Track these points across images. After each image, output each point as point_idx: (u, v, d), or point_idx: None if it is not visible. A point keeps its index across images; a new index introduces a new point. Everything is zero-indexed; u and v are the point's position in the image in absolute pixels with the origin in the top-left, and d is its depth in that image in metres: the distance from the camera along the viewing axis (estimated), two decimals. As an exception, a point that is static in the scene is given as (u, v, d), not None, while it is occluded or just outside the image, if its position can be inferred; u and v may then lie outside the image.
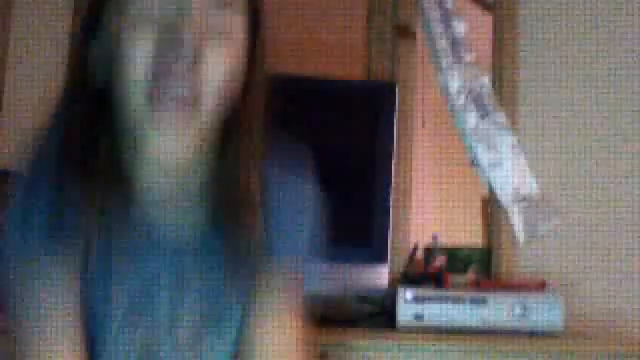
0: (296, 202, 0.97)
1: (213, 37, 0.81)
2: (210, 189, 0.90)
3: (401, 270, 1.82)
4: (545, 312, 1.61)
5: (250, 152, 0.88)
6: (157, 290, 0.90)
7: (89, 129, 0.85)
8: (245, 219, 0.88)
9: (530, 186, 1.93)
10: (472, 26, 1.98)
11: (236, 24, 0.85)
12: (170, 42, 0.78)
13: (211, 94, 0.80)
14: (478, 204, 2.14)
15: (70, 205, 0.83)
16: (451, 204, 2.14)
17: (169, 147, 0.80)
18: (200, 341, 0.92)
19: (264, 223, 0.89)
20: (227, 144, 0.87)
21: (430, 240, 1.93)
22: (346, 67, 2.06)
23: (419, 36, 2.00)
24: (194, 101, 0.79)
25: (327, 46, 2.22)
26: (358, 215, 1.77)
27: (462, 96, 1.93)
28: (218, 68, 0.81)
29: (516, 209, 1.91)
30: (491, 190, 1.93)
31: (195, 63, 0.78)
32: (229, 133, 0.87)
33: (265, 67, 0.90)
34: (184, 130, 0.80)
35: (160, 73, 0.78)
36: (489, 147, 1.91)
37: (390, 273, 1.78)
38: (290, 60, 2.21)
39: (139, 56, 0.78)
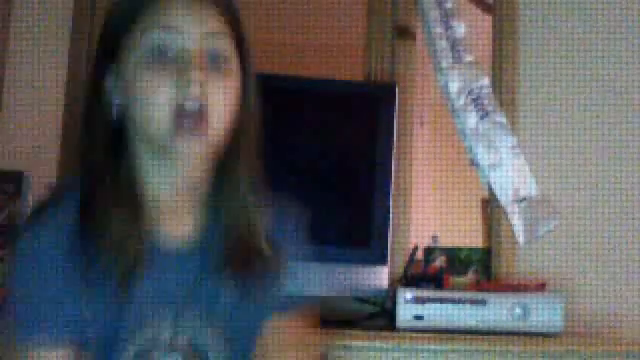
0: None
1: (213, 67, 1.00)
2: (210, 200, 1.07)
3: (401, 271, 1.82)
4: (545, 312, 1.62)
5: (247, 169, 1.07)
6: (162, 305, 1.02)
7: (107, 157, 1.02)
8: (243, 225, 1.05)
9: (530, 186, 1.93)
10: (472, 26, 1.98)
11: (229, 51, 1.03)
12: (182, 81, 0.96)
13: (217, 117, 0.99)
14: (478, 204, 2.14)
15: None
16: (451, 204, 2.14)
17: (191, 150, 0.98)
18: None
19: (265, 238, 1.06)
20: (228, 162, 1.06)
21: (430, 240, 1.93)
22: (346, 67, 2.06)
23: (419, 36, 2.00)
24: (205, 117, 0.97)
25: (327, 47, 2.22)
26: (358, 216, 1.77)
27: (462, 96, 1.92)
28: (219, 97, 0.99)
29: (516, 209, 1.91)
30: (491, 190, 1.93)
31: (203, 87, 0.97)
32: (229, 156, 1.06)
33: (254, 98, 1.08)
34: (198, 144, 0.98)
35: (179, 96, 0.97)
36: (489, 147, 1.91)
37: (390, 274, 1.78)
38: (290, 60, 2.21)
39: (159, 94, 0.97)
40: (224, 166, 1.05)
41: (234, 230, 1.05)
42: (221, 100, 0.99)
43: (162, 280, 1.01)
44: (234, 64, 1.03)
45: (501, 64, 1.99)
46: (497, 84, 1.97)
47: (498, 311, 1.61)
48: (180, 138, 0.97)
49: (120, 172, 1.01)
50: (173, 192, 1.04)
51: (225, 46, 1.01)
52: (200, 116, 0.97)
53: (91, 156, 1.02)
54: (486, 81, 1.94)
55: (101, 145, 1.02)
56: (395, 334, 1.57)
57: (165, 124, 0.96)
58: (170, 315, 1.02)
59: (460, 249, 1.91)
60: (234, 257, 1.04)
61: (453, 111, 1.94)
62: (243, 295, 1.04)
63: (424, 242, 1.92)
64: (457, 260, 1.90)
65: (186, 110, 0.96)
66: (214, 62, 0.99)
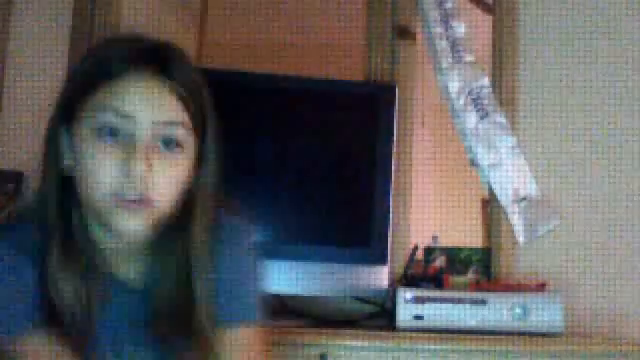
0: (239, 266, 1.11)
1: (164, 151, 0.99)
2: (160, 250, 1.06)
3: (401, 270, 1.82)
4: (545, 312, 1.62)
5: (198, 231, 1.04)
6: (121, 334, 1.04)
7: (62, 206, 1.02)
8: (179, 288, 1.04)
9: (530, 186, 1.93)
10: (472, 26, 1.98)
11: (184, 136, 1.00)
12: (126, 170, 0.96)
13: (162, 196, 0.98)
14: (478, 204, 2.14)
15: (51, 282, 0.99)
16: (451, 204, 2.14)
17: (128, 231, 0.98)
18: None
19: (209, 289, 1.04)
20: (181, 220, 1.04)
21: (430, 240, 1.93)
22: (346, 67, 2.06)
23: (419, 36, 2.00)
24: (147, 202, 0.97)
25: (327, 46, 2.22)
26: (358, 216, 1.77)
27: (462, 97, 1.93)
28: (166, 179, 0.98)
29: (516, 209, 1.91)
30: (491, 190, 1.93)
31: (146, 177, 0.96)
32: (181, 215, 1.03)
33: (213, 167, 1.06)
34: (140, 221, 0.98)
35: (120, 183, 0.96)
36: (489, 147, 1.92)
37: (390, 273, 1.78)
38: (290, 60, 2.22)
39: (103, 172, 0.96)
40: (175, 222, 1.04)
41: (168, 290, 1.04)
42: (165, 184, 0.98)
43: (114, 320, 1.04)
44: (189, 146, 1.02)
45: (501, 64, 1.99)
46: (497, 84, 1.97)
47: (498, 311, 1.61)
48: (120, 218, 0.96)
49: (72, 221, 1.02)
50: (119, 246, 1.04)
51: (178, 133, 1.00)
52: (141, 203, 0.96)
53: (45, 203, 1.02)
54: (486, 81, 1.95)
55: (54, 193, 1.02)
56: (395, 334, 1.57)
57: (105, 203, 0.96)
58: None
59: (460, 249, 1.91)
60: (161, 318, 1.04)
61: (453, 111, 1.94)
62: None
63: (424, 242, 1.92)
64: (457, 260, 1.90)
65: (126, 198, 0.96)
66: (166, 145, 0.99)
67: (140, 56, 0.99)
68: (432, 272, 1.81)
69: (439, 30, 1.95)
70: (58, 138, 1.03)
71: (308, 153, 1.80)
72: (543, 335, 1.60)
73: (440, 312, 1.60)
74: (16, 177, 1.85)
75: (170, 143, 0.99)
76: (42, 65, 1.96)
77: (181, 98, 1.00)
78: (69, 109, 1.01)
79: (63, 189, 1.02)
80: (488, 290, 1.67)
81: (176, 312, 1.03)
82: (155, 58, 1.00)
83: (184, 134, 1.00)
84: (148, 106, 0.98)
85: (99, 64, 1.00)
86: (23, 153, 1.89)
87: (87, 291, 1.00)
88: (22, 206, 1.09)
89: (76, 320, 0.99)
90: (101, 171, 0.96)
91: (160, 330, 1.03)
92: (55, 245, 1.00)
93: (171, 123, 0.99)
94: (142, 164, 0.95)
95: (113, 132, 0.97)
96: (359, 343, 1.49)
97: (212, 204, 1.06)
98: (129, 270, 1.06)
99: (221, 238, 1.08)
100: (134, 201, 0.96)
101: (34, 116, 1.93)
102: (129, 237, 1.00)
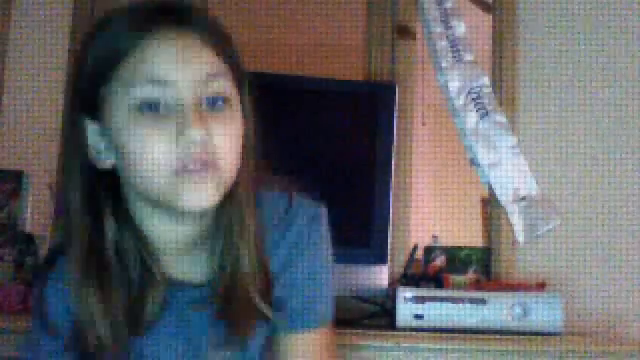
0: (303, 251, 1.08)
1: (214, 111, 0.90)
2: (214, 236, 0.98)
3: (401, 270, 1.82)
4: (545, 312, 1.61)
5: (244, 202, 0.97)
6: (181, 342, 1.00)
7: (94, 209, 0.94)
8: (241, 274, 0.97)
9: (530, 186, 1.93)
10: (472, 26, 1.98)
11: (229, 90, 0.93)
12: (181, 139, 0.87)
13: (227, 158, 0.90)
14: (478, 204, 2.14)
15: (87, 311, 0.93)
16: (451, 204, 2.14)
17: (197, 202, 0.89)
18: None
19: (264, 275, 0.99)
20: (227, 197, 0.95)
21: (430, 240, 1.93)
22: (346, 67, 2.06)
23: (419, 36, 2.00)
24: (213, 165, 0.89)
25: (327, 46, 2.23)
26: (358, 215, 1.77)
27: (462, 96, 1.93)
28: (227, 140, 0.90)
29: (516, 209, 1.91)
30: (491, 190, 1.93)
31: (207, 141, 0.88)
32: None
33: (252, 124, 0.99)
34: (208, 189, 0.89)
35: (179, 155, 0.87)
36: (489, 147, 1.91)
37: (390, 273, 1.78)
38: (290, 60, 2.22)
39: (158, 150, 0.87)
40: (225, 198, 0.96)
41: (226, 275, 0.97)
42: (227, 145, 0.90)
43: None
44: (235, 101, 0.94)
45: (501, 64, 1.99)
46: (497, 84, 1.97)
47: (498, 311, 1.61)
48: (186, 191, 0.87)
49: (102, 224, 0.94)
50: (180, 240, 0.97)
51: (224, 87, 0.92)
52: (207, 166, 0.88)
53: (73, 215, 0.93)
54: (486, 80, 1.94)
55: (78, 192, 0.93)
56: (395, 333, 1.57)
57: (166, 182, 0.87)
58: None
59: (460, 249, 1.91)
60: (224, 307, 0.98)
61: (453, 111, 1.94)
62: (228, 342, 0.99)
63: (424, 241, 1.92)
64: (457, 260, 1.90)
65: (190, 169, 0.87)
66: (214, 105, 0.90)
67: (158, 15, 0.90)
68: (432, 272, 1.81)
69: (439, 29, 1.95)
70: (81, 131, 0.93)
71: (308, 153, 1.80)
72: (543, 335, 1.60)
73: (440, 311, 1.60)
74: (16, 176, 1.85)
75: (217, 101, 0.90)
76: (42, 65, 1.97)
77: (214, 47, 0.91)
78: (90, 96, 0.91)
79: (94, 190, 0.93)
80: (488, 290, 1.67)
81: (238, 296, 0.96)
82: (172, 13, 0.91)
83: (228, 86, 0.92)
84: (184, 63, 0.88)
85: (115, 36, 0.90)
86: (23, 152, 1.89)
87: (137, 300, 0.94)
88: (55, 240, 0.99)
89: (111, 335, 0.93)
90: (155, 150, 0.86)
91: (225, 319, 0.97)
92: (78, 252, 0.92)
93: (213, 76, 0.90)
94: (199, 129, 0.86)
95: (154, 108, 0.87)
96: (359, 342, 1.49)
97: (254, 169, 0.98)
98: (187, 265, 0.98)
99: (294, 224, 1.03)
100: (199, 168, 0.87)
101: (34, 116, 1.93)
102: (197, 212, 0.90)
